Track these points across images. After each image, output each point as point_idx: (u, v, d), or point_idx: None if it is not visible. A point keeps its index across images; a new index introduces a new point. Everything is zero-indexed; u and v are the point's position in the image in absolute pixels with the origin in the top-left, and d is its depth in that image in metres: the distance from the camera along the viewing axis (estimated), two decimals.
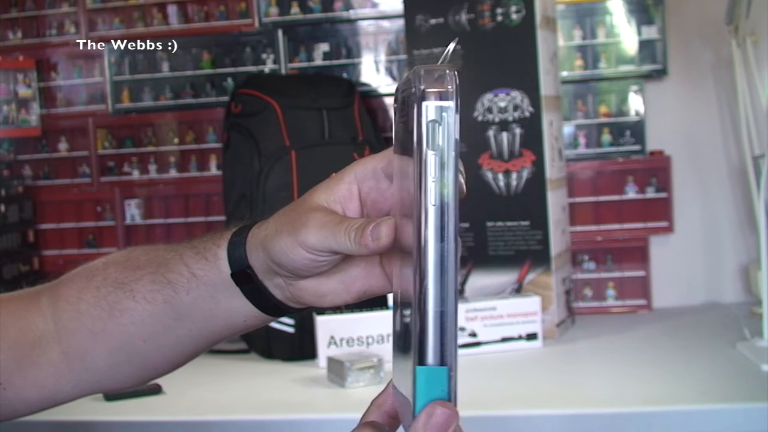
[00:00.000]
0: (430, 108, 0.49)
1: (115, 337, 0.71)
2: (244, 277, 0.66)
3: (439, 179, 0.49)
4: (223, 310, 0.69)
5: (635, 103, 1.75)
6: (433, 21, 1.60)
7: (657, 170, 1.75)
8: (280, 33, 1.84)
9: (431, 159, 0.49)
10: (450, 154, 0.49)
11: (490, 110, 1.57)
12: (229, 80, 1.86)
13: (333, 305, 0.66)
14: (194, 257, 0.68)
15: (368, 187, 0.63)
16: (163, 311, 0.69)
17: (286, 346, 1.51)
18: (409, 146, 0.51)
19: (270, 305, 0.68)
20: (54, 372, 0.74)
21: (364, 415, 0.57)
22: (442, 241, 0.49)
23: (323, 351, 1.43)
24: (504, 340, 1.48)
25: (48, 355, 0.73)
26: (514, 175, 1.56)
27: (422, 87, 0.49)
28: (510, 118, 1.56)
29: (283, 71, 1.84)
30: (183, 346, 0.72)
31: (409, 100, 0.51)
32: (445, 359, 0.49)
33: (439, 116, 0.49)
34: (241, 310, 0.68)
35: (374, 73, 1.83)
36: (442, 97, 0.49)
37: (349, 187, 0.63)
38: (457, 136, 0.49)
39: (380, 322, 1.45)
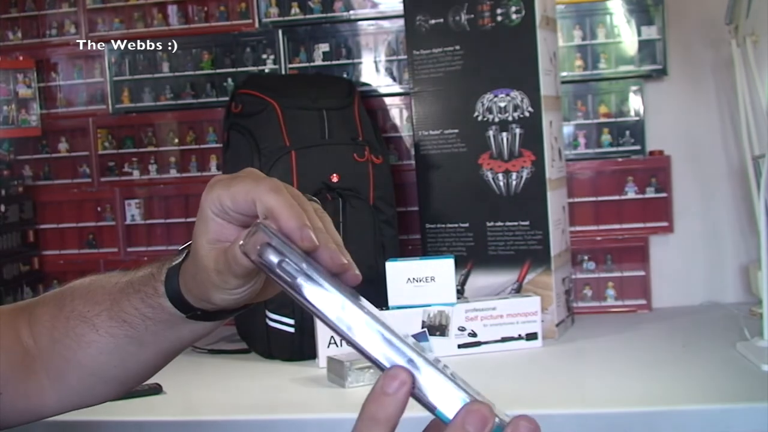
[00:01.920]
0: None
1: (87, 365, 0.74)
2: (194, 315, 0.69)
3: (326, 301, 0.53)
4: (185, 332, 0.72)
5: (635, 103, 1.75)
6: (433, 21, 1.60)
7: (657, 170, 1.75)
8: (280, 33, 1.84)
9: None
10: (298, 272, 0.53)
11: (489, 110, 1.57)
12: (230, 80, 1.86)
13: None
14: (140, 302, 0.71)
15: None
16: (126, 343, 0.72)
17: (286, 346, 1.51)
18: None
19: (225, 316, 0.70)
20: (38, 386, 0.76)
21: None
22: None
23: (323, 351, 1.43)
24: (504, 339, 1.48)
25: (33, 368, 0.76)
26: (513, 175, 1.56)
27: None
28: (510, 118, 1.56)
29: (283, 71, 1.84)
30: (155, 362, 0.76)
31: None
32: None
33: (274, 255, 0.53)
34: (200, 327, 0.72)
35: (374, 73, 1.83)
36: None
37: (215, 219, 0.63)
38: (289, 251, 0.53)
39: None
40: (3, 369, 0.75)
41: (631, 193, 1.76)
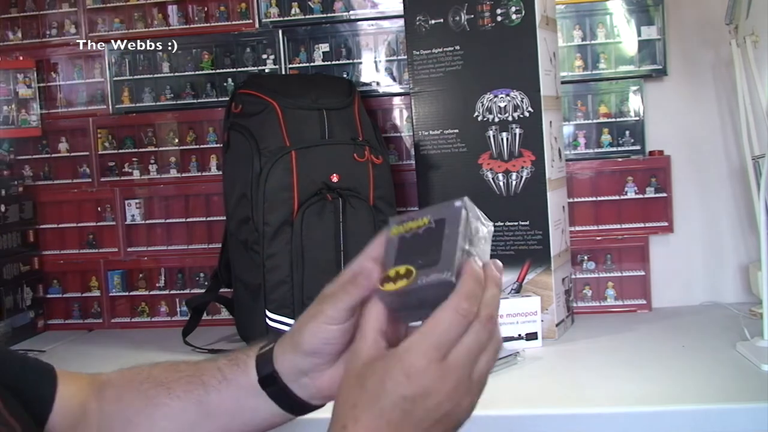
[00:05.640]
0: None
1: (147, 429, 0.79)
2: (269, 380, 0.76)
3: None
4: (248, 409, 0.77)
5: (635, 104, 1.75)
6: (433, 21, 1.60)
7: (657, 170, 1.76)
8: (280, 33, 1.84)
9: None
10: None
11: (489, 110, 1.57)
12: (230, 80, 1.86)
13: None
14: (228, 364, 0.78)
15: None
16: (193, 408, 0.78)
17: None
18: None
19: (294, 405, 0.77)
20: None
21: None
22: None
23: None
24: (504, 339, 1.48)
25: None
26: (513, 175, 1.56)
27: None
28: (510, 118, 1.56)
29: (283, 71, 1.84)
30: None
31: None
32: None
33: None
34: (265, 410, 0.77)
35: (374, 73, 1.83)
36: None
37: None
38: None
39: None
40: (61, 425, 0.80)
41: (631, 193, 1.76)
